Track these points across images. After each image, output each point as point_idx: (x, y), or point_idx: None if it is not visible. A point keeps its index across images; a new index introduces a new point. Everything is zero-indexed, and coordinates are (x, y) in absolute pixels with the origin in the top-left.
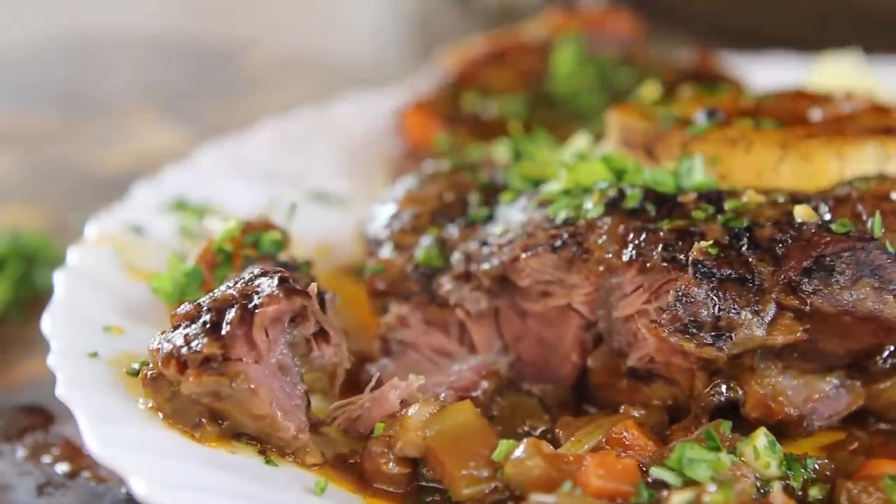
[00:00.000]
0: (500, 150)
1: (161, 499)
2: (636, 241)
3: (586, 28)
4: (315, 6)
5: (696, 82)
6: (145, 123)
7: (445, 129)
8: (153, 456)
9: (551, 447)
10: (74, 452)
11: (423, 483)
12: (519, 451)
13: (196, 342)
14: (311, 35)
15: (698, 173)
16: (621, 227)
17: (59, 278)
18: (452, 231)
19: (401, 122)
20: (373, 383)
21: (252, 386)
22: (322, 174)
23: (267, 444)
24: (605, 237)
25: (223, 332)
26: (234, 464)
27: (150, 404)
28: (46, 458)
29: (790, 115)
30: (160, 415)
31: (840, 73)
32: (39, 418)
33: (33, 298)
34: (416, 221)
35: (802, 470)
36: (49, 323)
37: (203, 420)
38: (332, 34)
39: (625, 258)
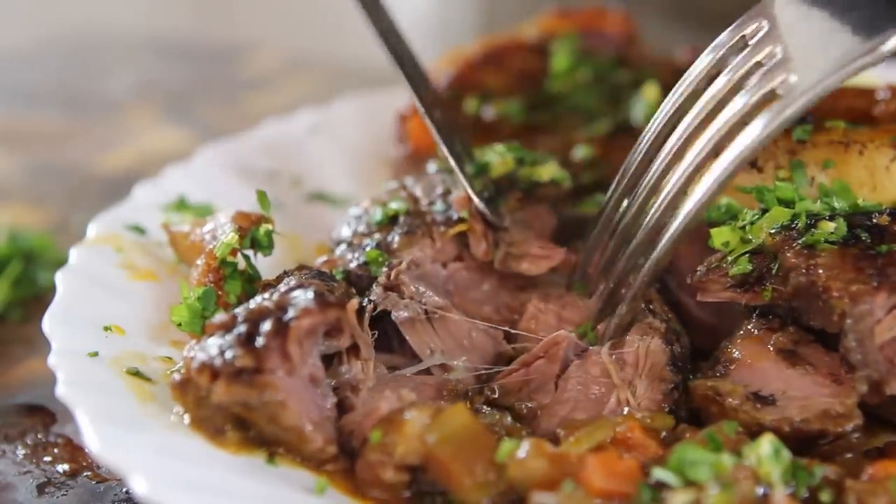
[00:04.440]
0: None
1: (162, 498)
2: (874, 267)
3: (580, 28)
4: (316, 7)
5: None
6: (146, 123)
7: None
8: (154, 455)
9: (553, 447)
10: (75, 452)
11: (422, 489)
12: (521, 452)
13: (230, 353)
14: (313, 36)
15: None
16: (848, 259)
17: (60, 278)
18: (394, 237)
19: (402, 125)
20: (361, 396)
21: (282, 398)
22: (322, 175)
23: (295, 454)
24: (835, 269)
25: (257, 344)
26: (235, 463)
27: (179, 409)
28: (47, 458)
29: (850, 112)
30: (185, 419)
31: None
32: (39, 418)
33: (34, 298)
34: (371, 224)
35: (808, 477)
36: (49, 323)
37: (226, 427)
38: (334, 35)
39: (873, 284)
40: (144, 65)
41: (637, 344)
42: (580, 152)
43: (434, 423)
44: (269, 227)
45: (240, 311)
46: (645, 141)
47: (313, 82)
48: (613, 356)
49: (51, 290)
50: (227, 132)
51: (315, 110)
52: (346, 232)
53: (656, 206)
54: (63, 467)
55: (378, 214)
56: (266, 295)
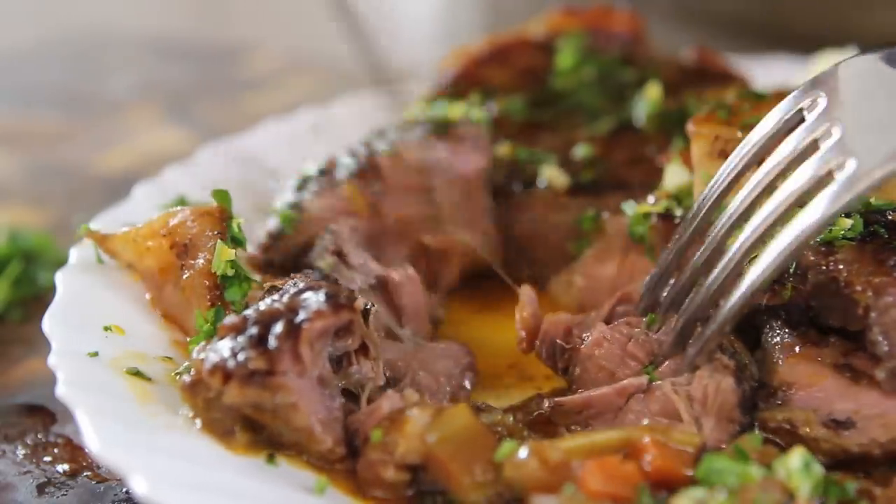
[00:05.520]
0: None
1: (162, 498)
2: (892, 261)
3: (587, 27)
4: (316, 7)
5: (700, 81)
6: (146, 123)
7: None
8: (154, 455)
9: (553, 449)
10: (75, 452)
11: (423, 489)
12: (521, 453)
13: (242, 355)
14: (313, 36)
15: None
16: (868, 253)
17: (60, 278)
18: None
19: None
20: (366, 396)
21: (294, 400)
22: None
23: (304, 455)
24: (855, 264)
25: (269, 346)
26: (235, 463)
27: (184, 409)
28: (47, 458)
29: None
30: (190, 420)
31: None
32: (39, 418)
33: (34, 298)
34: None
35: (840, 492)
36: (49, 323)
37: (236, 428)
38: (334, 35)
39: (895, 275)
40: (145, 65)
41: (707, 381)
42: (580, 151)
43: (435, 423)
44: (240, 220)
45: (250, 313)
46: (715, 187)
47: (313, 82)
48: (680, 392)
49: (51, 290)
50: (227, 132)
51: (315, 110)
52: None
53: (728, 258)
54: (63, 467)
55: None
56: (276, 296)
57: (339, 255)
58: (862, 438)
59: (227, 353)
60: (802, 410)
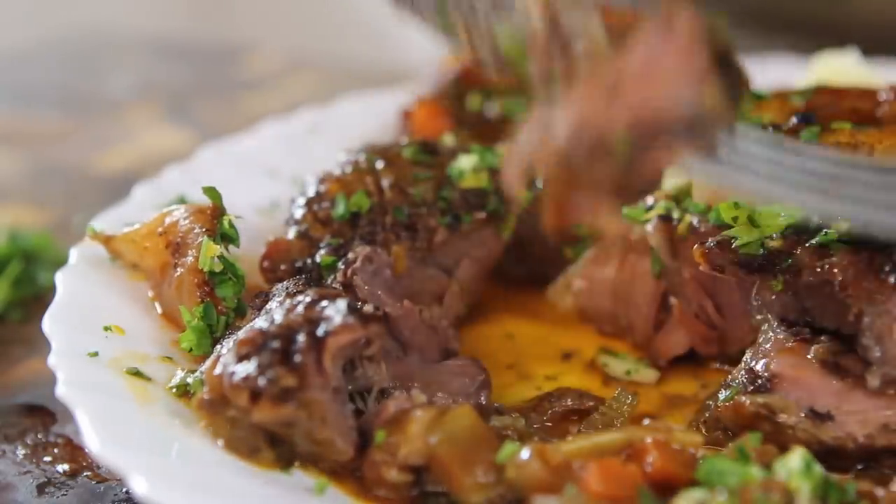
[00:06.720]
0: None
1: (162, 498)
2: (890, 265)
3: None
4: (316, 7)
5: None
6: (145, 123)
7: (450, 128)
8: (154, 455)
9: (555, 451)
10: (75, 452)
11: (426, 489)
12: (523, 454)
13: (271, 372)
14: (313, 36)
15: None
16: (863, 257)
17: (60, 278)
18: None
19: (406, 120)
20: (373, 397)
21: (323, 414)
22: None
23: (320, 463)
24: (850, 269)
25: (296, 362)
26: (235, 463)
27: (209, 428)
28: (47, 458)
29: (854, 113)
30: (219, 441)
31: (838, 73)
32: (39, 418)
33: (34, 298)
34: (331, 217)
35: (841, 494)
36: (49, 323)
37: (261, 446)
38: (334, 35)
39: (890, 282)
40: (144, 65)
41: None
42: None
43: (438, 424)
44: (230, 217)
45: (264, 326)
46: None
47: (313, 82)
48: None
49: (51, 290)
50: (227, 132)
51: (315, 110)
52: (300, 213)
53: None
54: (63, 467)
55: (340, 207)
56: (284, 308)
57: (349, 287)
58: (838, 431)
59: (252, 370)
60: (783, 399)
